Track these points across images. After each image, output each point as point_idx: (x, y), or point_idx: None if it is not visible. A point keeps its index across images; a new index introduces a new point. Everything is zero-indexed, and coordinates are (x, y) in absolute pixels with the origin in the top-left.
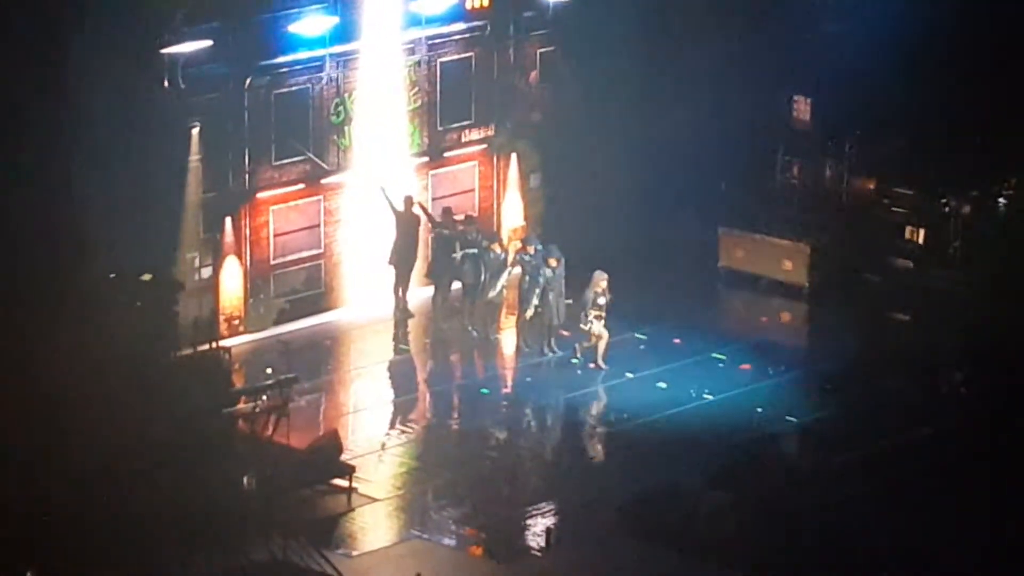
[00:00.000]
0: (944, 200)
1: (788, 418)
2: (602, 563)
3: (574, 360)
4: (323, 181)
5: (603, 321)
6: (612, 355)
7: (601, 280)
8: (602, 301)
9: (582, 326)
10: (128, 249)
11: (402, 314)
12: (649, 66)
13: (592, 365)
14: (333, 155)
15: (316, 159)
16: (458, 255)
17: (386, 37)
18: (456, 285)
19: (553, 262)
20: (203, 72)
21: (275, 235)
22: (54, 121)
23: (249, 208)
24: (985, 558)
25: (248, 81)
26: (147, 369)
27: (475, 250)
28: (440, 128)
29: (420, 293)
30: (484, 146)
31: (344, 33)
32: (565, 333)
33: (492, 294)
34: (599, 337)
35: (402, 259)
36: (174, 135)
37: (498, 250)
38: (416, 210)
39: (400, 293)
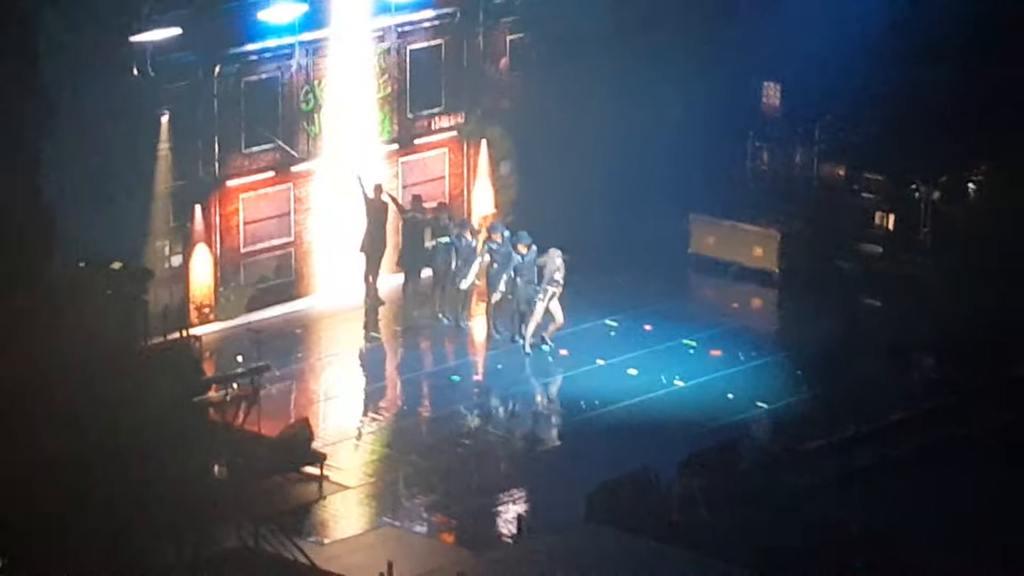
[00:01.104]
0: (914, 186)
1: (759, 404)
2: (573, 550)
3: (544, 347)
4: (293, 169)
5: (557, 299)
6: (583, 342)
7: (556, 256)
8: (558, 277)
9: (538, 299)
10: (98, 237)
11: (373, 302)
12: (619, 53)
13: (562, 351)
14: (303, 143)
15: (286, 147)
16: (429, 243)
17: (355, 25)
18: (427, 272)
19: (523, 248)
20: (172, 60)
21: (245, 223)
22: (23, 110)
23: (219, 196)
24: (958, 541)
25: (217, 69)
26: (117, 358)
27: (446, 238)
28: (410, 115)
29: (391, 281)
30: (454, 133)
31: (313, 21)
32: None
33: (463, 281)
34: (553, 318)
35: (373, 247)
36: (143, 123)
37: (469, 237)
38: (385, 198)
39: (371, 280)
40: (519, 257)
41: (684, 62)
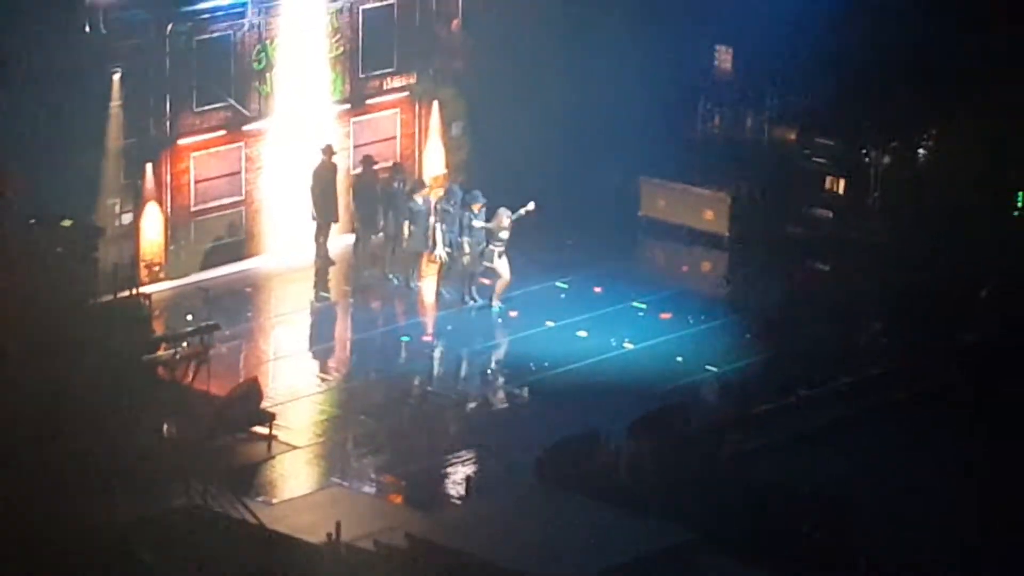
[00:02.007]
0: (864, 151)
1: (708, 367)
2: (522, 511)
3: (494, 308)
4: (244, 128)
5: (504, 257)
6: (533, 303)
7: (504, 216)
8: (504, 236)
9: (485, 263)
10: (48, 194)
11: (323, 261)
12: (571, 15)
13: (512, 313)
14: (255, 102)
15: (237, 106)
16: (380, 203)
17: None
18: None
19: (476, 207)
20: (125, 18)
21: (196, 182)
22: None
23: (170, 154)
24: (906, 504)
25: (170, 27)
26: (66, 315)
27: (398, 198)
28: (362, 75)
29: (341, 241)
30: (406, 94)
31: None
32: (486, 281)
33: (414, 242)
34: (500, 276)
35: (323, 208)
36: (95, 81)
37: (420, 199)
38: (335, 160)
39: (321, 241)
40: (470, 216)
41: (637, 25)
